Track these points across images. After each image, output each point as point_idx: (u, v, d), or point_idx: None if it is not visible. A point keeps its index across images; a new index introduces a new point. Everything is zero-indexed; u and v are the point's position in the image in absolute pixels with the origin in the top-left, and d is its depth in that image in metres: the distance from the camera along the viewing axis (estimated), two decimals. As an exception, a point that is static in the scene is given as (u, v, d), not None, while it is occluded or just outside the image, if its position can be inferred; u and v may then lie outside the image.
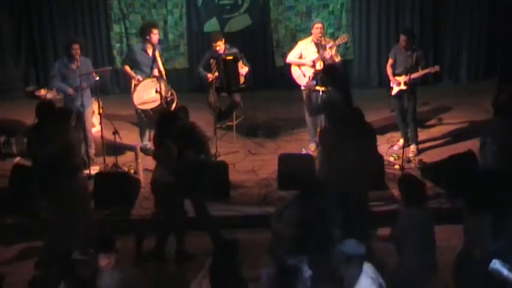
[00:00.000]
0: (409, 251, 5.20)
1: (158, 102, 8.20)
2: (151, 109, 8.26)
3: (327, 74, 7.26)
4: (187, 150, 6.44)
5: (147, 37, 8.53)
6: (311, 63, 8.57)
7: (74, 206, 6.38)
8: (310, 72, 8.60)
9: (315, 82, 7.37)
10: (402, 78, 8.43)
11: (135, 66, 8.62)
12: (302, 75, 8.72)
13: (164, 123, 6.50)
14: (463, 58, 11.65)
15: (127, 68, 8.69)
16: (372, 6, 11.37)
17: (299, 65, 8.75)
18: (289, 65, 8.96)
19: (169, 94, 8.39)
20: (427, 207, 5.68)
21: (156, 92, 8.24)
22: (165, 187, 6.41)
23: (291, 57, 8.86)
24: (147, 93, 8.35)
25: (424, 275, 5.24)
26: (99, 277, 5.06)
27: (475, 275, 5.06)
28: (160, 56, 8.76)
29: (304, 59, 8.68)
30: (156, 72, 8.59)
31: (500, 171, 6.07)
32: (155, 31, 8.56)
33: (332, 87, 7.09)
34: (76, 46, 8.19)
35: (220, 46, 8.82)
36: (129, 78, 8.69)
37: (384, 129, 9.41)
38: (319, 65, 8.47)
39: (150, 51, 8.60)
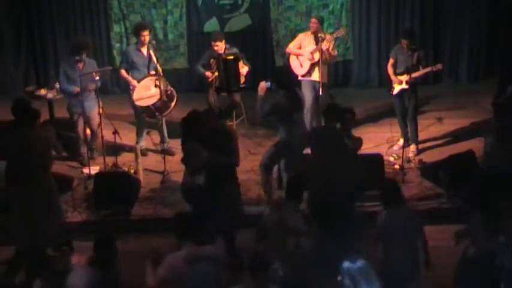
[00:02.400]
0: (390, 251, 5.24)
1: (158, 97, 8.19)
2: (152, 104, 8.27)
3: (274, 78, 7.31)
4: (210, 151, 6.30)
5: (137, 38, 8.63)
6: (309, 55, 8.68)
7: (42, 204, 6.37)
8: (307, 62, 8.73)
9: (269, 84, 7.36)
10: (404, 77, 8.44)
11: (132, 67, 8.63)
12: (299, 65, 8.87)
13: (189, 125, 6.40)
14: (463, 58, 11.64)
15: (123, 72, 8.69)
16: (372, 6, 11.37)
17: (297, 55, 8.85)
18: (288, 55, 9.12)
19: (168, 88, 8.40)
20: (407, 208, 5.69)
21: (156, 86, 8.24)
22: (188, 190, 6.39)
23: (291, 47, 9.04)
24: (147, 91, 8.37)
25: (406, 274, 5.26)
26: (69, 275, 5.05)
27: (470, 273, 5.11)
28: (156, 54, 8.74)
29: (303, 49, 8.80)
30: (153, 71, 8.60)
31: (501, 170, 6.11)
32: (144, 33, 8.60)
33: (280, 91, 7.16)
34: (85, 52, 8.30)
35: (219, 46, 8.83)
36: (126, 81, 8.75)
37: (384, 129, 9.41)
38: (317, 56, 8.59)
39: (144, 51, 8.63)
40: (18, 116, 6.41)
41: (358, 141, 6.71)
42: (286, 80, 7.30)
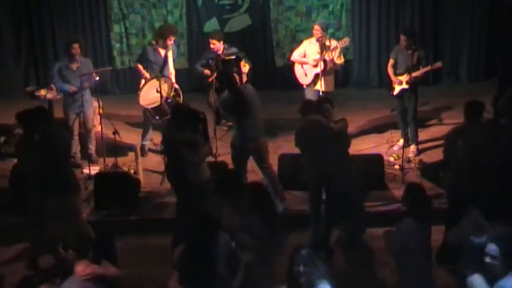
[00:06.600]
0: (410, 265, 5.15)
1: (158, 103, 8.21)
2: (152, 109, 8.27)
3: (220, 80, 7.52)
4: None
5: (162, 40, 8.63)
6: (313, 63, 8.58)
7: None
8: (311, 72, 8.62)
9: None
10: (404, 78, 8.44)
11: (147, 65, 8.67)
12: (304, 75, 8.75)
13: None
14: (463, 58, 11.64)
15: (140, 66, 8.74)
16: (372, 6, 11.37)
17: (302, 64, 8.77)
18: (293, 63, 9.01)
19: (171, 95, 8.38)
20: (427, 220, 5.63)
21: (157, 91, 8.25)
22: None
23: (295, 55, 8.91)
24: (152, 93, 8.38)
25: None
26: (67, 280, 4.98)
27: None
28: (173, 57, 8.85)
29: (308, 58, 8.71)
30: (166, 72, 8.65)
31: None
32: (172, 38, 8.70)
33: (227, 90, 7.26)
34: (76, 45, 8.24)
35: (215, 45, 8.89)
36: (140, 76, 8.75)
37: (384, 129, 9.41)
38: (320, 67, 8.48)
39: (162, 52, 8.67)
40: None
41: (343, 122, 6.70)
42: (229, 82, 7.27)
